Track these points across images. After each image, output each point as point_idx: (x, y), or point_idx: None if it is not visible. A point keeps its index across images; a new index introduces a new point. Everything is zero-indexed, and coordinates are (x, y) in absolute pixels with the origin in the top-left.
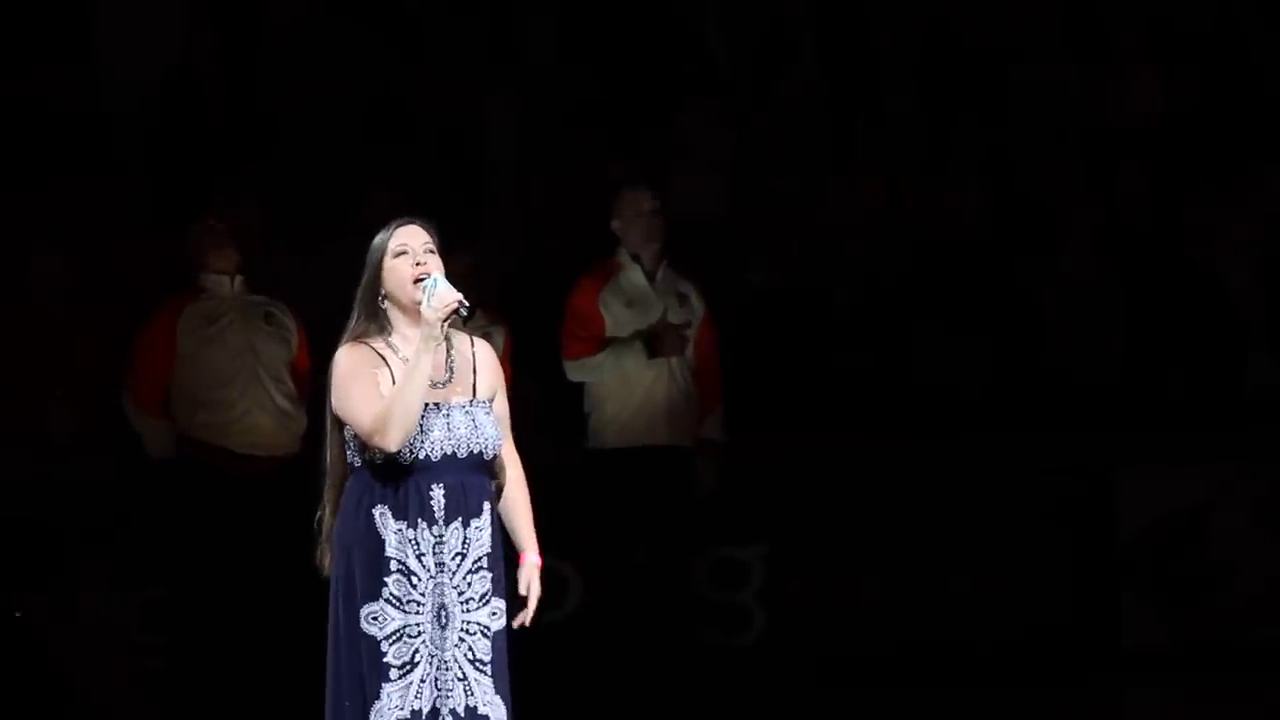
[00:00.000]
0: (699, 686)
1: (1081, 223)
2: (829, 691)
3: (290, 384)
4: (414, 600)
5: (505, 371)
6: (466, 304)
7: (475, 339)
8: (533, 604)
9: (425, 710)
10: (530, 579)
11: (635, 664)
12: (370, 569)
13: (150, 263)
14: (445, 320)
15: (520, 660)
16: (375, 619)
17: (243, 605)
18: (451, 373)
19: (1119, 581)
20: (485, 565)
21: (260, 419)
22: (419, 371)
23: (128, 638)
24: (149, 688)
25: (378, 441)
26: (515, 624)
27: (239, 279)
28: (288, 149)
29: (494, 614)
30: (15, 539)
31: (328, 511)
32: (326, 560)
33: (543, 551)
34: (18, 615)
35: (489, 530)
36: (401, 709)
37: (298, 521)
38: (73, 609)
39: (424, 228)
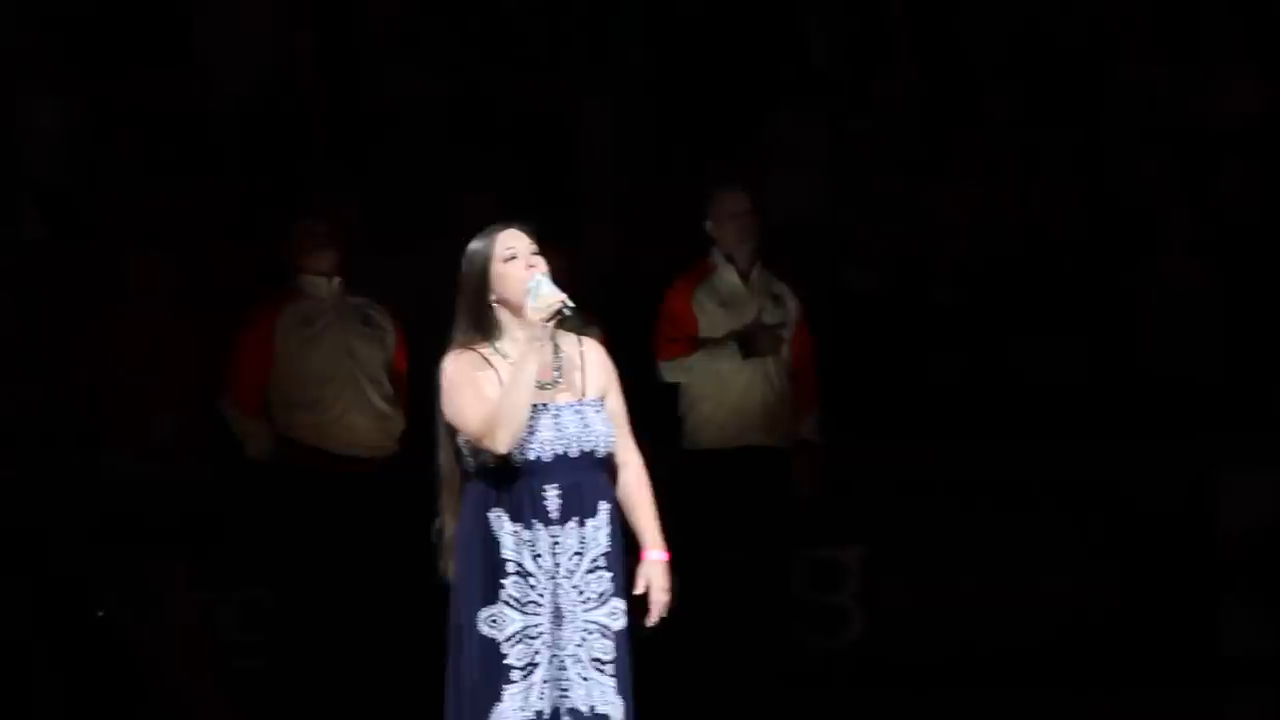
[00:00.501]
0: (796, 687)
1: (1179, 223)
2: (925, 693)
3: (387, 385)
4: (532, 601)
5: None
6: (570, 304)
7: (584, 339)
8: (657, 600)
9: (546, 711)
10: (651, 575)
11: (733, 665)
12: (488, 572)
13: (248, 264)
14: (550, 320)
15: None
16: (494, 621)
17: (342, 605)
18: (559, 373)
19: (1219, 584)
20: (604, 565)
21: (358, 420)
22: (525, 372)
23: (227, 638)
24: (248, 688)
25: (488, 444)
26: (648, 622)
27: (337, 280)
28: (383, 151)
29: (613, 614)
30: (116, 540)
31: (446, 519)
32: (450, 566)
33: (635, 550)
34: (100, 614)
35: (606, 529)
36: (524, 710)
37: (395, 521)
38: (172, 609)
39: (524, 230)
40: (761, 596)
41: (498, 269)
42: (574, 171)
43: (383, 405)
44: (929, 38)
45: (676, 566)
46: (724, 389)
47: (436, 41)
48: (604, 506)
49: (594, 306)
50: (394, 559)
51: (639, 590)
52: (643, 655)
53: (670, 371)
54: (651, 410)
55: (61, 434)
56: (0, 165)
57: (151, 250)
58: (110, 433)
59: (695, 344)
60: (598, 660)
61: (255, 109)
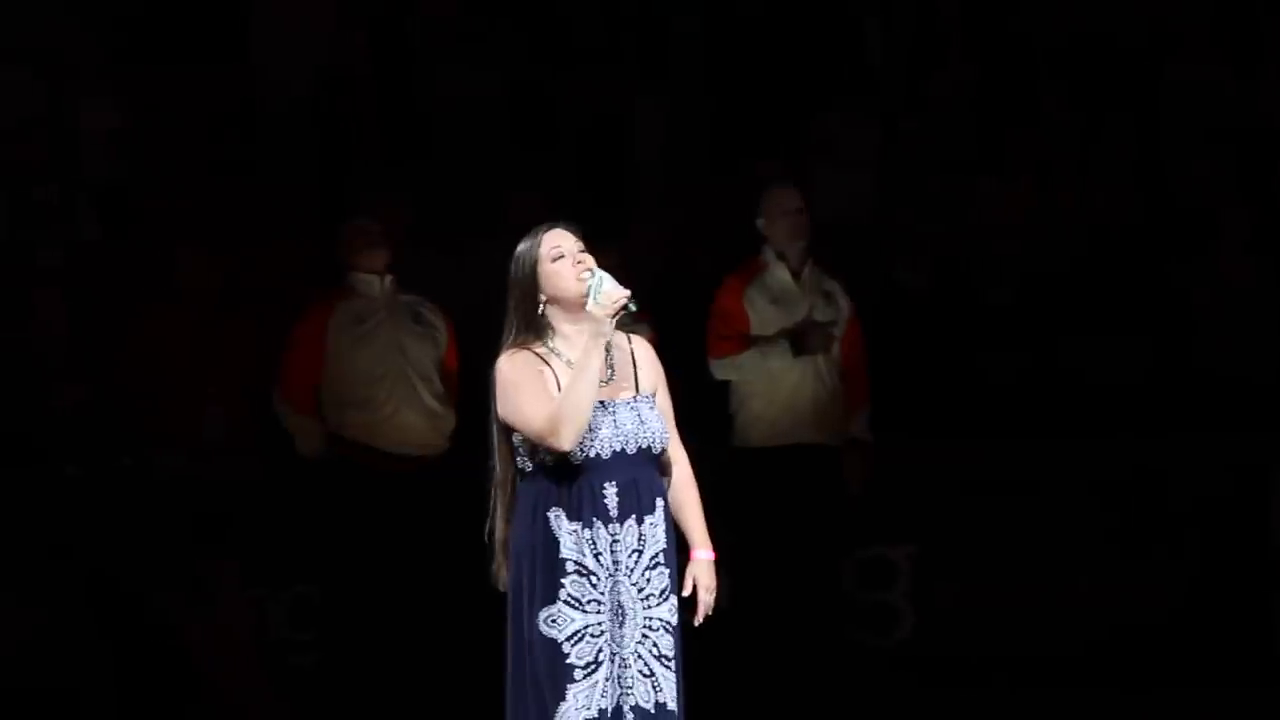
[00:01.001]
0: (846, 685)
1: (1235, 222)
2: (975, 691)
3: (438, 383)
4: (593, 600)
5: None
6: (634, 299)
7: (632, 336)
8: (706, 599)
9: (610, 709)
10: (698, 574)
11: (783, 663)
12: (547, 572)
13: (300, 262)
14: (615, 316)
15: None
16: (554, 621)
17: (392, 603)
18: (613, 370)
19: (1274, 583)
20: (663, 561)
21: (409, 418)
22: (589, 368)
23: (277, 635)
24: (298, 685)
25: (551, 442)
26: (696, 621)
27: (389, 278)
28: (436, 150)
29: (672, 610)
30: (167, 537)
31: (499, 520)
32: (502, 571)
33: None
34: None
35: (663, 526)
36: (588, 709)
37: (446, 519)
38: (225, 608)
39: (570, 229)
40: (812, 594)
41: (546, 268)
42: (626, 169)
43: (434, 403)
44: (984, 35)
45: (727, 564)
46: (775, 387)
47: (490, 40)
48: (660, 503)
49: (645, 304)
50: (444, 557)
51: (686, 591)
52: (694, 653)
53: (721, 369)
54: (702, 408)
55: (114, 432)
56: (57, 165)
57: (204, 248)
58: (162, 431)
59: (746, 342)
60: (662, 656)
61: (309, 108)
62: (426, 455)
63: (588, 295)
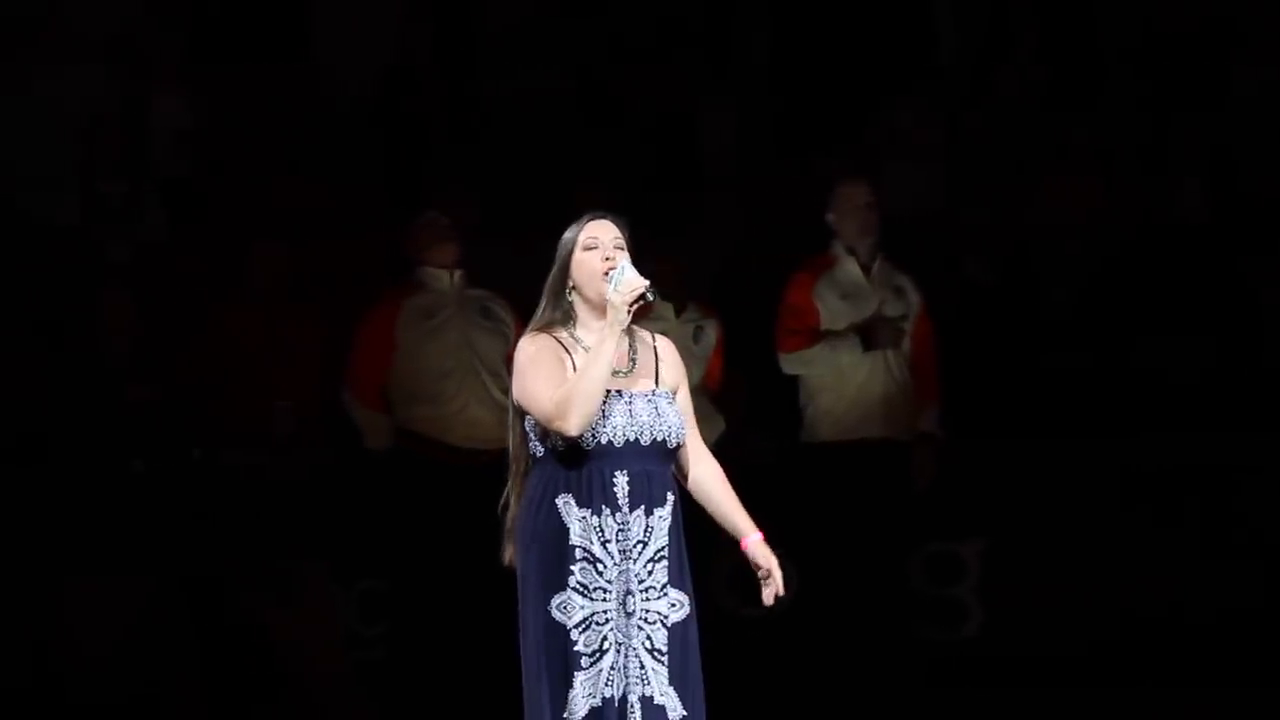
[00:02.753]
0: (913, 681)
1: None
2: (1044, 689)
3: (507, 378)
4: (600, 587)
5: (717, 363)
6: (653, 289)
7: (656, 335)
8: (776, 573)
9: (616, 697)
10: (759, 555)
11: (850, 658)
12: (556, 558)
13: (367, 256)
14: (631, 305)
15: (735, 653)
16: (564, 608)
17: (460, 597)
18: (634, 362)
19: None
20: (666, 556)
21: (478, 413)
22: (602, 355)
23: (348, 629)
24: (368, 679)
25: (558, 425)
26: (769, 599)
27: (458, 273)
28: (503, 143)
29: (674, 605)
30: (237, 531)
31: (512, 502)
32: (509, 552)
33: None
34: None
35: (670, 521)
36: (593, 696)
37: None
38: (293, 601)
39: (614, 223)
40: (879, 590)
41: (578, 256)
42: (694, 164)
43: (502, 398)
44: (1053, 29)
45: (795, 558)
46: (844, 381)
47: (556, 36)
48: (670, 498)
49: (714, 300)
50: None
51: (759, 570)
52: (758, 648)
53: (791, 364)
54: (771, 403)
55: (184, 428)
56: (127, 161)
57: (272, 244)
58: (231, 426)
59: (816, 337)
60: (655, 650)
61: (377, 103)
62: (494, 449)
63: (611, 283)
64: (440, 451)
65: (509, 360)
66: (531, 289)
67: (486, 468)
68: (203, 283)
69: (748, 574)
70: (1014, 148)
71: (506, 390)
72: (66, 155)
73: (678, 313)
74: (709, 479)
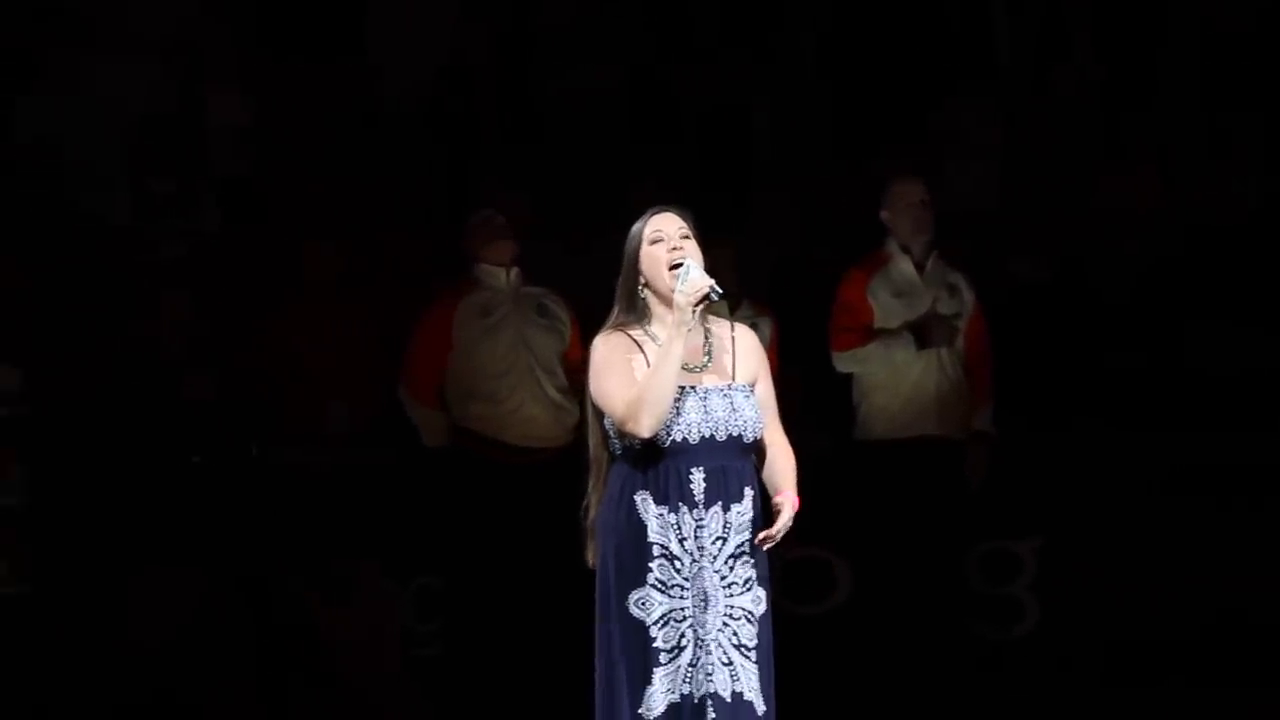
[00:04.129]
0: (969, 679)
1: None
2: (1099, 687)
3: (562, 376)
4: (677, 584)
5: (772, 362)
6: (718, 289)
7: (736, 325)
8: (777, 526)
9: (695, 694)
10: (783, 504)
11: (905, 656)
12: (635, 555)
13: (421, 254)
14: (697, 305)
15: (789, 651)
16: (642, 604)
17: (516, 594)
18: (709, 357)
19: None
20: (748, 550)
21: (534, 411)
22: (670, 356)
23: (403, 626)
24: (423, 675)
25: (630, 428)
26: (757, 539)
27: (514, 271)
28: (555, 142)
29: (756, 600)
30: (293, 529)
31: (592, 501)
32: (591, 550)
33: (811, 542)
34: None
35: (750, 515)
36: (671, 692)
37: (569, 511)
38: (346, 599)
39: (679, 213)
40: (934, 587)
41: (645, 250)
42: (747, 162)
43: (557, 396)
44: (1111, 26)
45: (849, 556)
46: (898, 379)
47: (609, 33)
48: (749, 492)
49: (767, 297)
50: (566, 549)
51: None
52: (814, 646)
53: (844, 362)
54: (825, 401)
55: (242, 424)
56: (181, 157)
57: (327, 241)
58: (287, 422)
59: (870, 334)
60: (742, 646)
61: (431, 100)
62: (550, 448)
63: (676, 283)
64: (496, 449)
65: (565, 358)
66: (583, 287)
67: (542, 466)
68: (257, 281)
69: (799, 573)
70: (1070, 145)
71: (562, 389)
72: (122, 153)
73: (732, 310)
74: (774, 459)
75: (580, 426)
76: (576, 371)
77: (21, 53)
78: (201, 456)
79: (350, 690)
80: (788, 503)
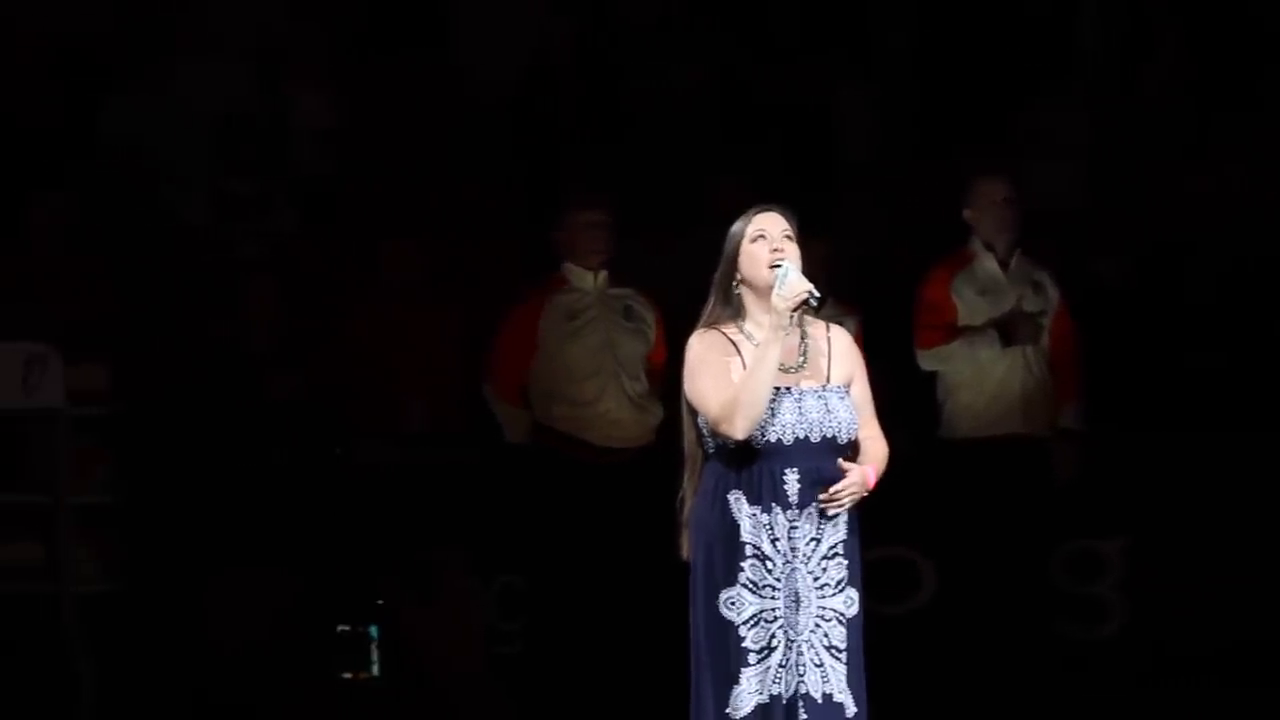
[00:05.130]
0: (1054, 679)
1: None
2: (1188, 687)
3: (644, 378)
4: (769, 585)
5: None
6: (816, 294)
7: (831, 326)
8: (840, 484)
9: (784, 695)
10: (851, 471)
11: (989, 656)
12: (727, 554)
13: (503, 252)
14: (795, 309)
15: (873, 651)
16: (733, 604)
17: (597, 593)
18: (805, 358)
19: None
20: (841, 552)
21: (617, 413)
22: (767, 359)
23: (486, 624)
24: (506, 674)
25: (725, 429)
26: (822, 498)
27: (603, 273)
28: (641, 141)
29: (848, 602)
30: (374, 527)
31: (687, 496)
32: (685, 545)
33: (895, 541)
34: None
35: (844, 517)
36: (760, 693)
37: (650, 510)
38: (432, 598)
39: (783, 214)
40: (1019, 586)
41: (745, 248)
42: (832, 159)
43: (641, 398)
44: (1197, 22)
45: (934, 555)
46: (983, 377)
47: (693, 29)
48: None
49: (852, 295)
50: (649, 549)
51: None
52: (899, 646)
53: (929, 360)
54: (909, 399)
55: (325, 423)
56: (263, 156)
57: (406, 239)
58: (369, 421)
59: (954, 332)
60: (833, 647)
61: (515, 99)
62: (633, 448)
63: (775, 284)
64: (578, 449)
65: (649, 360)
66: (667, 286)
67: (623, 466)
68: (340, 280)
69: (884, 572)
70: (1157, 144)
71: (645, 391)
72: (206, 155)
73: (817, 309)
74: (867, 448)
75: (662, 427)
76: (660, 374)
77: (110, 55)
78: (285, 454)
79: (434, 689)
80: (857, 468)
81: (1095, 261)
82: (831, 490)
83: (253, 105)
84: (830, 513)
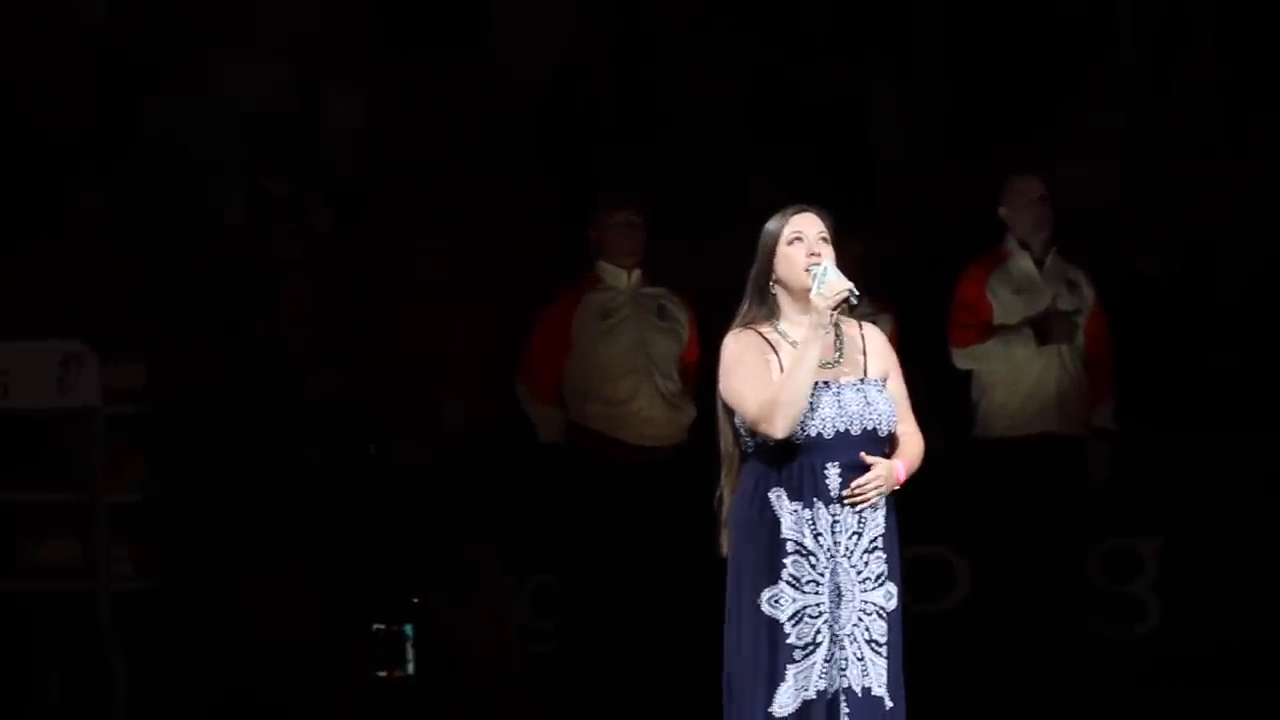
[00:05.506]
0: (1090, 678)
1: None
2: (1223, 688)
3: (678, 377)
4: (812, 580)
5: None
6: (857, 292)
7: (864, 324)
8: (866, 477)
9: (828, 691)
10: (878, 464)
11: (1024, 655)
12: (768, 551)
13: (537, 251)
14: (834, 309)
15: (909, 647)
16: (776, 601)
17: (630, 591)
18: (841, 354)
19: None
20: (881, 546)
21: (650, 412)
22: (806, 359)
23: (520, 623)
24: (541, 673)
25: (764, 429)
26: (846, 493)
27: (636, 272)
28: (675, 140)
29: (888, 596)
30: (407, 526)
31: (725, 495)
32: (725, 543)
33: (931, 539)
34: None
35: (884, 511)
36: (805, 689)
37: (684, 509)
38: (468, 598)
39: (819, 215)
40: (1054, 585)
41: (782, 249)
42: (867, 158)
43: (675, 397)
44: (1233, 19)
45: (969, 554)
46: (1018, 376)
47: (727, 28)
48: None
49: (887, 294)
50: (682, 547)
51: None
52: (933, 644)
53: (964, 358)
54: (944, 398)
55: (361, 422)
56: (297, 155)
57: (436, 239)
58: (404, 420)
59: (989, 331)
60: (874, 641)
61: (547, 97)
62: (665, 446)
63: (812, 285)
64: (612, 447)
65: (682, 360)
66: (700, 286)
67: (657, 464)
68: (374, 280)
69: (919, 571)
70: (1192, 143)
71: (678, 390)
72: (243, 153)
73: (855, 307)
74: (903, 444)
75: (695, 426)
76: (693, 372)
77: (148, 54)
78: (321, 451)
79: (471, 687)
80: (884, 462)
81: (1133, 259)
82: (855, 483)
83: (287, 105)
84: (858, 507)
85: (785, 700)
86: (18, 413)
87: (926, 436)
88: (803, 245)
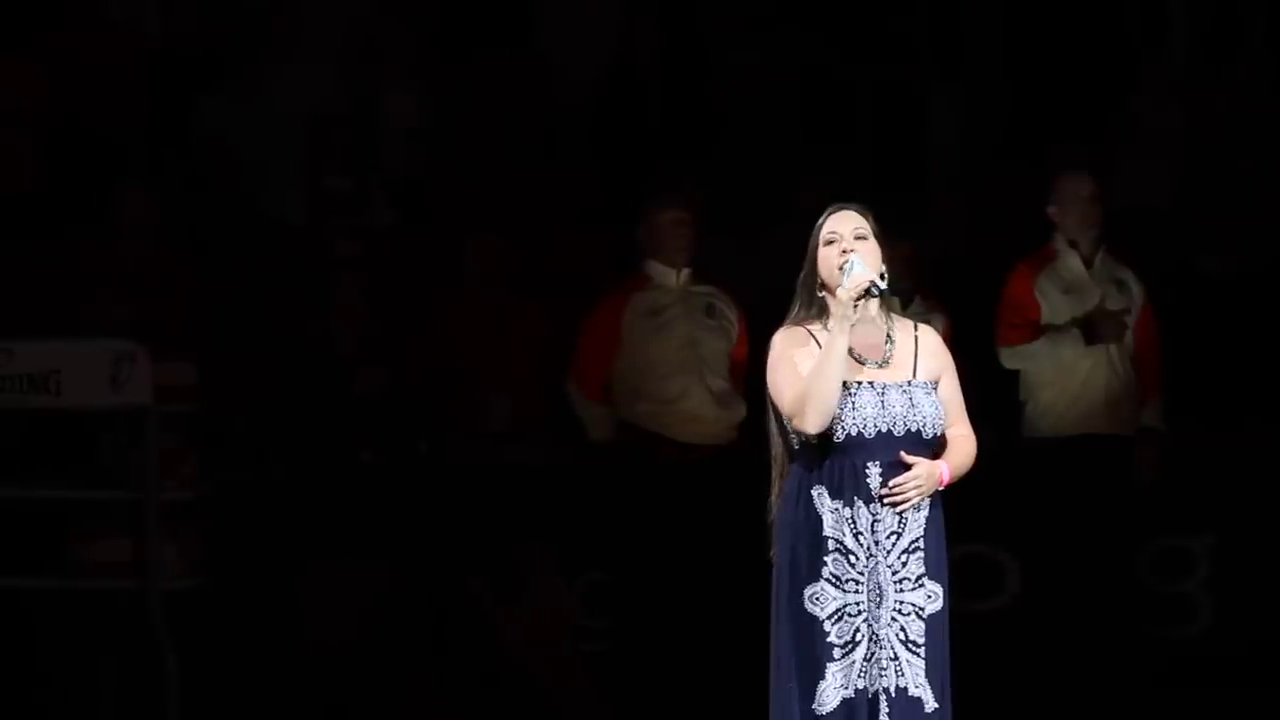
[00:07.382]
0: (1141, 679)
1: None
2: (1274, 687)
3: (727, 376)
4: (852, 579)
5: None
6: (880, 283)
7: (920, 325)
8: (904, 476)
9: (869, 689)
10: (917, 463)
11: (1075, 655)
12: (811, 549)
13: (587, 249)
14: (858, 300)
15: (960, 651)
16: (816, 599)
17: (681, 589)
18: (890, 354)
19: None
20: (921, 546)
21: (700, 410)
22: (833, 352)
23: (571, 621)
24: (592, 671)
25: (797, 423)
26: (884, 492)
27: (685, 271)
28: (725, 137)
29: (929, 596)
30: (458, 524)
31: (774, 495)
32: (773, 544)
33: (980, 538)
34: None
35: (927, 512)
36: (845, 688)
37: (734, 507)
38: (522, 596)
39: (858, 212)
40: (1105, 585)
41: (820, 252)
42: (921, 157)
43: (724, 395)
44: None
45: (1019, 555)
46: (1066, 376)
47: (780, 27)
48: None
49: (939, 293)
50: (733, 545)
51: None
52: (984, 645)
53: (1012, 358)
54: (992, 397)
55: (412, 419)
56: (356, 156)
57: (487, 236)
58: (456, 418)
59: (1037, 330)
60: (910, 642)
61: (600, 96)
62: (715, 445)
63: (843, 280)
64: (661, 445)
65: (731, 357)
66: (753, 284)
67: (706, 462)
68: (430, 278)
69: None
70: (1249, 139)
71: (728, 387)
72: (299, 153)
73: (904, 307)
74: (952, 447)
75: (744, 425)
76: (742, 371)
77: (203, 54)
78: (372, 453)
79: (523, 685)
80: (925, 463)
81: (1190, 259)
82: (893, 482)
83: (344, 104)
84: (899, 507)
85: (827, 698)
86: (70, 412)
87: (977, 436)
88: (837, 245)
